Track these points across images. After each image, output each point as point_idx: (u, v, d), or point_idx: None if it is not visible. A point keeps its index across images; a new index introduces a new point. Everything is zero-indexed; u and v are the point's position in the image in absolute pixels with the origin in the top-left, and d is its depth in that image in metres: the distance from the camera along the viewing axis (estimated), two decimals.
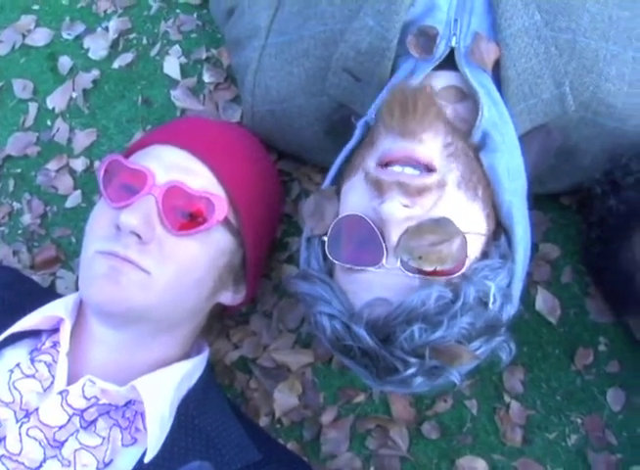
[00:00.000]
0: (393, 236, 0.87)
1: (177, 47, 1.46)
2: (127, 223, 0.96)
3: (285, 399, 1.17)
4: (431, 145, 0.90)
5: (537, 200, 1.21)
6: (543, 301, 1.18)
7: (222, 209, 1.02)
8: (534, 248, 1.19)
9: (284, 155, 1.32)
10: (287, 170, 1.32)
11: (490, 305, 0.89)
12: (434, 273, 0.87)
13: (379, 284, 0.88)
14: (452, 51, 1.02)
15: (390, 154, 0.90)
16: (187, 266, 1.01)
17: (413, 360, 0.86)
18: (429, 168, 0.89)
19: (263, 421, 1.18)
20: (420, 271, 0.87)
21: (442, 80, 1.02)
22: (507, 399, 1.15)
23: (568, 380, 1.15)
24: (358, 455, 1.15)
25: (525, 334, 1.17)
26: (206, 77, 1.42)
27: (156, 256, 0.98)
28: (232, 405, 1.08)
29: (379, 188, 0.89)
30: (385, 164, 0.90)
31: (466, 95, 1.00)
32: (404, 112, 0.89)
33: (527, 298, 1.18)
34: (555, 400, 1.15)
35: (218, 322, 1.22)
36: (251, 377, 1.21)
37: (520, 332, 1.16)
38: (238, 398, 1.20)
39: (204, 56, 1.44)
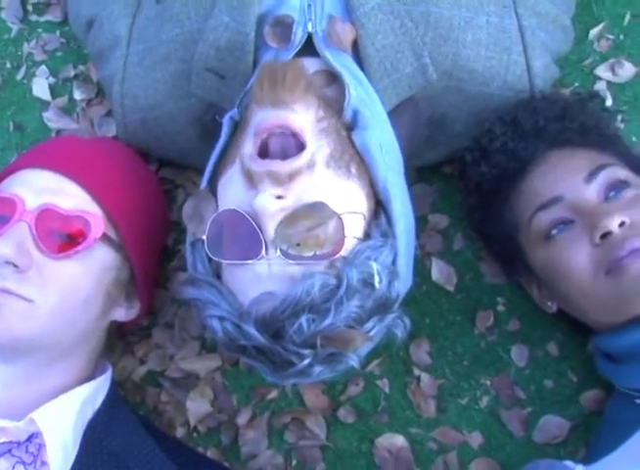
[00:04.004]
0: (270, 228, 0.86)
1: (44, 67, 1.43)
2: (0, 254, 0.93)
3: (198, 406, 1.16)
4: (303, 116, 0.90)
5: (420, 172, 1.24)
6: (439, 271, 1.20)
7: (99, 226, 1.00)
8: (424, 220, 1.22)
9: (165, 162, 1.30)
10: (170, 178, 1.30)
11: (377, 285, 0.89)
12: (315, 258, 0.87)
13: (263, 277, 0.88)
14: (311, 37, 1.02)
15: (264, 123, 0.89)
16: (71, 289, 0.98)
17: (306, 351, 0.86)
18: (300, 141, 0.88)
19: (179, 432, 1.16)
20: (300, 258, 0.87)
21: (307, 67, 1.02)
22: (416, 372, 1.16)
23: (472, 344, 1.17)
24: (279, 451, 1.14)
25: (426, 306, 1.19)
26: (77, 95, 1.40)
27: (36, 282, 0.96)
28: (144, 422, 1.07)
29: (251, 179, 0.88)
30: (260, 138, 0.89)
31: (334, 78, 1.00)
32: (274, 83, 0.89)
33: (423, 270, 1.19)
34: (463, 366, 1.16)
35: (120, 340, 1.20)
36: (161, 390, 1.19)
37: (420, 304, 1.18)
38: (151, 413, 1.18)
39: (72, 73, 1.42)
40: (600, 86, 1.28)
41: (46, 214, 0.98)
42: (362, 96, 0.99)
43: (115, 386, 1.09)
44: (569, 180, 0.99)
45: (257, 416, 1.16)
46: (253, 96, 0.92)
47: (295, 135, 0.89)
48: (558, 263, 0.98)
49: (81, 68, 1.42)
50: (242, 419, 1.16)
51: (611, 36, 1.32)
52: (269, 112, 0.89)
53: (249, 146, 0.90)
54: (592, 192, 0.97)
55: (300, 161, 0.87)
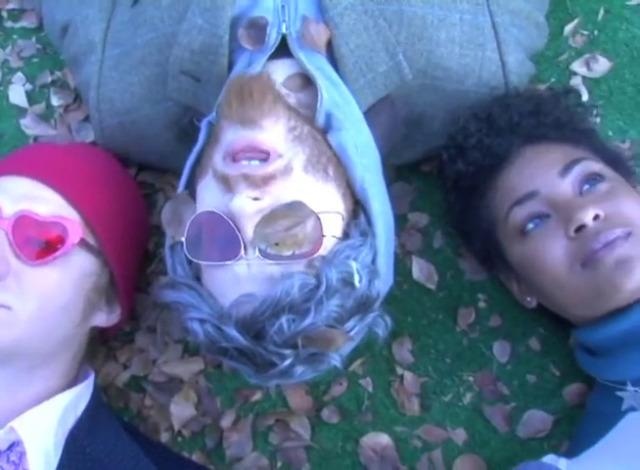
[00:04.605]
0: (248, 229, 0.86)
1: (20, 74, 1.42)
2: None
3: (182, 410, 1.15)
4: (273, 131, 0.90)
5: (399, 171, 1.24)
6: (419, 269, 1.20)
7: (76, 231, 1.00)
8: (403, 219, 1.22)
9: (144, 166, 1.30)
10: (149, 182, 1.30)
11: (357, 284, 0.89)
12: (294, 257, 0.87)
13: (242, 278, 0.88)
14: (285, 38, 1.02)
15: (234, 145, 0.89)
16: (50, 295, 0.98)
17: (287, 352, 0.86)
18: (273, 156, 0.89)
19: (164, 437, 1.16)
20: (279, 257, 0.87)
21: (282, 69, 1.02)
22: (399, 370, 1.16)
23: (454, 341, 1.17)
24: (264, 453, 1.14)
25: (408, 304, 1.19)
26: (55, 101, 1.40)
27: (14, 290, 0.95)
28: (128, 427, 1.06)
29: (226, 184, 0.88)
30: (231, 157, 0.89)
31: (308, 81, 1.00)
32: (241, 100, 0.89)
33: (404, 268, 1.20)
34: (445, 364, 1.16)
35: (102, 345, 1.20)
36: (144, 395, 1.18)
37: (401, 303, 1.18)
38: (135, 418, 1.18)
39: (49, 79, 1.42)
40: (576, 81, 1.29)
41: (23, 221, 0.97)
42: (335, 98, 0.99)
43: (98, 392, 1.08)
44: (543, 175, 0.99)
45: (242, 418, 1.16)
46: (222, 113, 0.92)
47: (266, 153, 0.89)
48: (534, 258, 0.98)
49: (58, 73, 1.42)
50: (226, 422, 1.15)
51: (585, 32, 1.33)
52: (239, 131, 0.90)
53: (219, 158, 0.91)
54: (567, 186, 0.98)
55: (274, 166, 0.88)
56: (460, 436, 1.13)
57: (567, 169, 0.98)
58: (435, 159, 1.18)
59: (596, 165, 1.00)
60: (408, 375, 1.16)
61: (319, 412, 1.15)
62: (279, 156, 0.89)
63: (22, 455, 0.94)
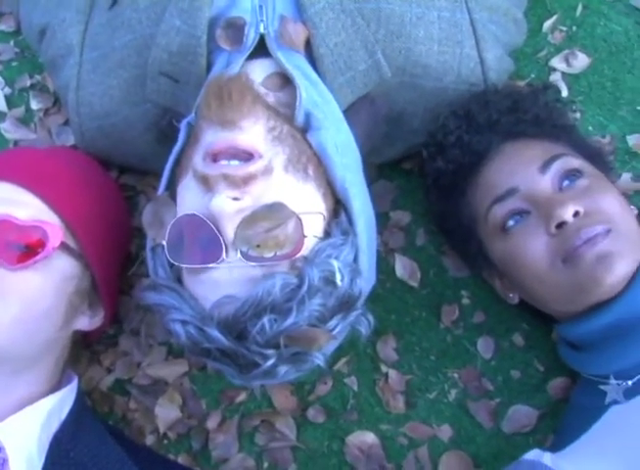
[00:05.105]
0: (229, 230, 0.86)
1: None
2: None
3: (167, 412, 1.15)
4: (252, 131, 0.90)
5: (381, 169, 1.24)
6: (402, 267, 1.20)
7: (56, 235, 0.99)
8: (386, 217, 1.22)
9: (125, 169, 1.29)
10: (130, 184, 1.29)
11: (338, 283, 0.89)
12: (276, 258, 0.87)
13: (224, 281, 0.88)
14: (263, 38, 1.02)
15: (213, 146, 0.89)
16: (31, 299, 0.97)
17: (270, 352, 0.86)
18: (253, 156, 0.89)
19: (149, 439, 1.15)
20: (261, 259, 0.87)
21: (261, 69, 1.02)
22: (384, 368, 1.16)
23: (438, 338, 1.17)
24: (250, 454, 1.14)
25: (391, 302, 1.19)
26: (34, 104, 1.39)
27: None
28: (112, 431, 1.06)
29: (206, 184, 0.88)
30: (211, 158, 0.89)
31: (287, 81, 1.00)
32: (220, 101, 0.89)
33: (387, 266, 1.20)
34: (430, 361, 1.17)
35: (86, 349, 1.19)
36: (129, 398, 1.18)
37: (385, 301, 1.19)
38: (120, 421, 1.17)
39: (28, 83, 1.41)
40: (555, 77, 1.30)
41: (3, 226, 0.97)
42: (314, 97, 0.99)
43: (82, 396, 1.08)
44: (523, 171, 0.99)
45: (227, 420, 1.16)
46: (201, 114, 0.92)
47: (246, 153, 0.89)
48: (516, 254, 0.98)
49: (37, 77, 1.41)
50: (211, 423, 1.15)
51: (564, 28, 1.34)
52: (218, 132, 0.90)
53: (199, 158, 0.91)
54: (547, 182, 0.98)
55: (255, 166, 0.88)
56: (446, 432, 1.13)
57: (546, 165, 0.99)
58: (417, 156, 1.19)
59: (575, 161, 1.00)
60: (393, 373, 1.16)
61: (304, 412, 1.15)
62: (259, 156, 0.89)
63: (4, 462, 0.93)
